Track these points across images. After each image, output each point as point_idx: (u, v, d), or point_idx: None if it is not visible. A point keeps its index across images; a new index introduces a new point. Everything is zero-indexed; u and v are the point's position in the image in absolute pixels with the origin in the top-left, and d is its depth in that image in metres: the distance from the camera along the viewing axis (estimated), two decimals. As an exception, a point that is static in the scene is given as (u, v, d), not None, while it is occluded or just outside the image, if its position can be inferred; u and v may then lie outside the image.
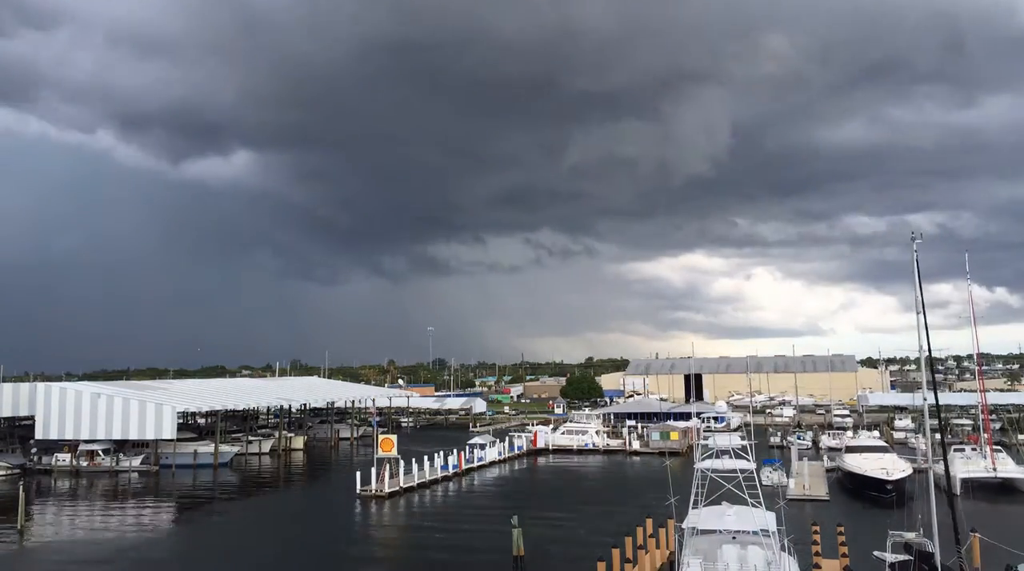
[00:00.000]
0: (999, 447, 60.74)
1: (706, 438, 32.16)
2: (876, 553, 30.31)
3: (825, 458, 68.70)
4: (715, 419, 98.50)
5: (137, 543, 43.60)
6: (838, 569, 28.92)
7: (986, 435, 58.21)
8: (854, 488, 55.19)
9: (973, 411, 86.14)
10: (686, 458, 73.35)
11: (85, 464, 76.39)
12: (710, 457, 29.34)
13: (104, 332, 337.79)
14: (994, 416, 78.49)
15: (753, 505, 27.01)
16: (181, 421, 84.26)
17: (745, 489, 27.28)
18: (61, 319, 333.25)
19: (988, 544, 32.54)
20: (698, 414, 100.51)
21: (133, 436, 76.41)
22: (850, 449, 62.22)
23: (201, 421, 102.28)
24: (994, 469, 54.72)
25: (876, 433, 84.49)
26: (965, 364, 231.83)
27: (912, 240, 28.99)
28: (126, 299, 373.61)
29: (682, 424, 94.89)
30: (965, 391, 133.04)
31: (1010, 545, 32.71)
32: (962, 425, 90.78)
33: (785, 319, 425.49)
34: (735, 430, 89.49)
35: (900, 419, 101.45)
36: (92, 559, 39.71)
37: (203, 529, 49.13)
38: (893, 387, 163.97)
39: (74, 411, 77.20)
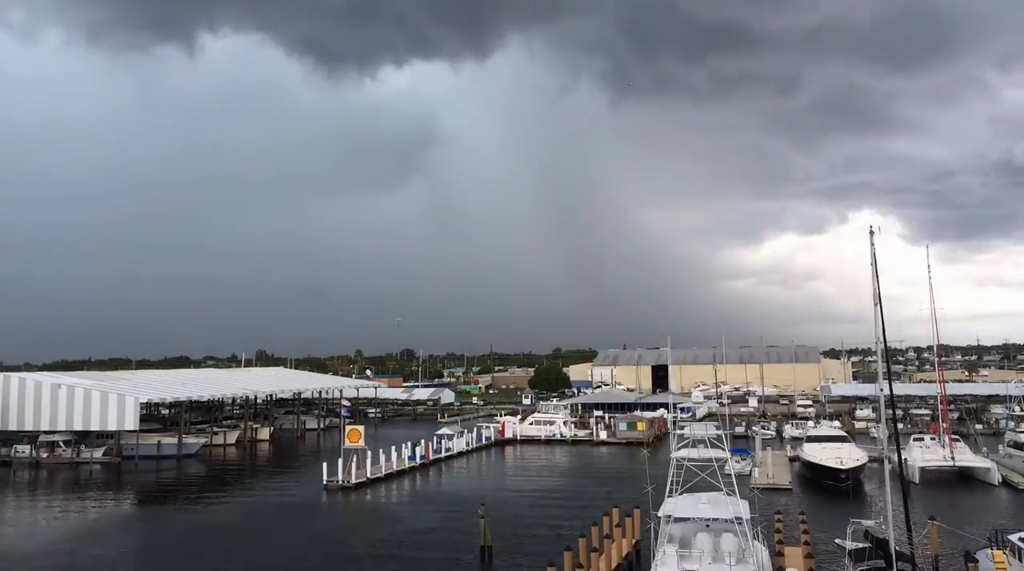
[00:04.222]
0: (957, 437, 62.05)
1: (681, 428, 32.45)
2: (837, 540, 30.87)
3: (788, 447, 69.72)
4: (683, 410, 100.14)
5: (85, 537, 42.95)
6: (800, 556, 29.38)
7: (944, 425, 59.42)
8: (812, 477, 56.15)
9: (932, 401, 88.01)
10: (652, 448, 74.02)
11: (45, 456, 75.08)
12: (686, 446, 29.63)
13: (65, 322, 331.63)
14: (952, 406, 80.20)
15: (727, 494, 27.35)
16: (144, 412, 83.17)
17: (720, 478, 27.61)
18: (19, 309, 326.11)
19: (947, 531, 33.32)
20: (666, 405, 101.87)
21: (95, 427, 75.25)
22: (810, 439, 63.30)
23: (165, 412, 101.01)
24: (952, 458, 55.90)
25: (837, 423, 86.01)
26: (925, 355, 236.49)
27: (871, 234, 29.47)
28: (83, 287, 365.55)
29: (649, 414, 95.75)
30: (925, 381, 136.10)
31: (967, 532, 33.57)
32: (921, 415, 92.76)
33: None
34: (703, 419, 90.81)
35: (861, 409, 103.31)
36: (36, 553, 39.04)
37: (163, 522, 48.43)
38: (855, 377, 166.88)
39: (34, 402, 75.89)
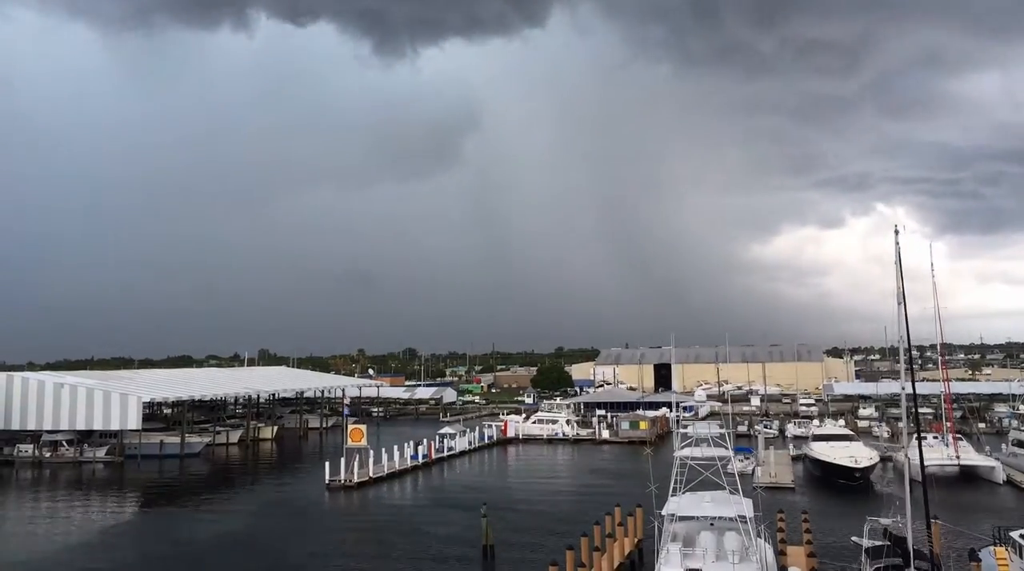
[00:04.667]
0: (960, 435, 61.93)
1: (685, 427, 32.42)
2: (854, 538, 30.75)
3: (791, 446, 69.63)
4: (685, 409, 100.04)
5: (85, 539, 42.96)
6: (803, 555, 29.33)
7: (948, 424, 59.28)
8: (822, 476, 55.99)
9: (935, 400, 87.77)
10: (655, 447, 73.95)
11: (48, 455, 75.19)
12: (689, 445, 29.60)
13: (68, 321, 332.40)
14: (956, 405, 79.94)
15: (731, 492, 27.34)
16: (147, 412, 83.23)
17: (723, 477, 27.58)
18: (22, 309, 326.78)
19: (950, 530, 33.22)
20: (668, 404, 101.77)
21: (97, 426, 75.33)
22: (817, 437, 63.11)
23: (168, 411, 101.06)
24: (956, 457, 55.78)
25: (841, 422, 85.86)
26: (928, 354, 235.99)
27: (895, 233, 29.34)
28: (85, 287, 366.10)
29: (651, 413, 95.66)
30: (928, 380, 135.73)
31: (971, 530, 33.48)
32: (924, 414, 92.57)
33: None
34: (705, 418, 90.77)
35: (864, 408, 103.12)
36: (35, 556, 39.02)
37: (165, 523, 48.44)
38: (858, 376, 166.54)
39: (37, 401, 75.93)
